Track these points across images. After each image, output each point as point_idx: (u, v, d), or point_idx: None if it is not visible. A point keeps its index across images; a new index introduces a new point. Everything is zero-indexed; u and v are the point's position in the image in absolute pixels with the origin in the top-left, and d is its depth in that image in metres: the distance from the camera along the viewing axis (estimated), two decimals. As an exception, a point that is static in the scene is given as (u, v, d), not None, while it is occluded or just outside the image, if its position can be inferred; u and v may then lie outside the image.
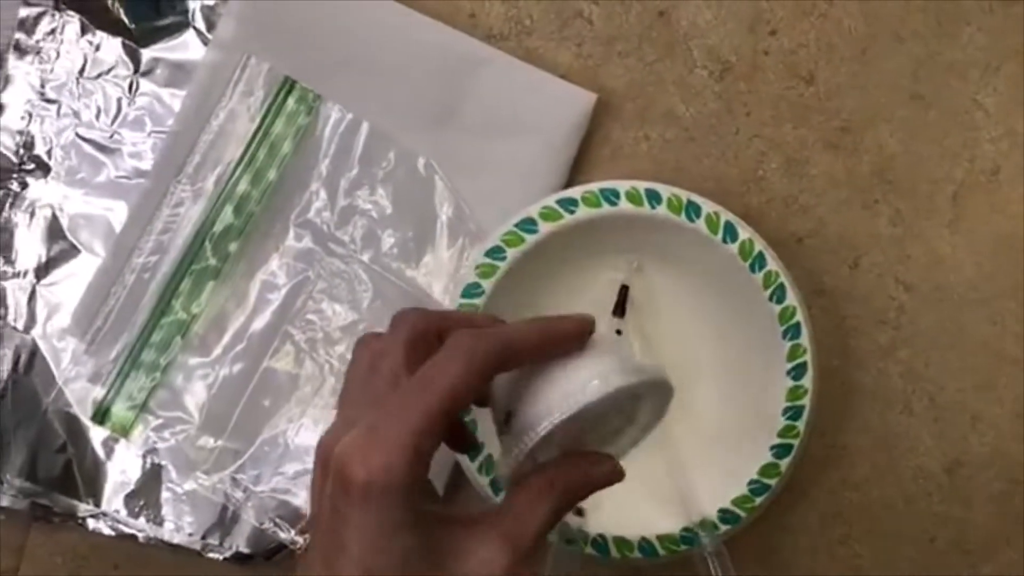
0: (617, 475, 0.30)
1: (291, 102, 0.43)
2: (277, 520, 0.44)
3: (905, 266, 0.46)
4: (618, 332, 0.42)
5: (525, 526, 0.28)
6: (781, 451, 0.41)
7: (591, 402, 0.28)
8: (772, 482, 0.41)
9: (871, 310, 0.46)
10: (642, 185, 0.40)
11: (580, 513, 0.41)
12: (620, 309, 0.42)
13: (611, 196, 0.40)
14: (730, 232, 0.40)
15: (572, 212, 0.40)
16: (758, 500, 0.41)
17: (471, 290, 0.41)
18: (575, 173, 0.45)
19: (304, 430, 0.44)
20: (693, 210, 0.40)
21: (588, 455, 0.30)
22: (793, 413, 0.41)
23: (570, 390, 0.28)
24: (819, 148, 0.46)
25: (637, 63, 0.46)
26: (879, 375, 0.46)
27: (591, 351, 0.29)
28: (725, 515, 0.41)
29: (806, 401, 0.41)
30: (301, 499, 0.44)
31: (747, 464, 0.41)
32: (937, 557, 0.46)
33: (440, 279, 0.44)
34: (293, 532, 0.44)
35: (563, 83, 0.44)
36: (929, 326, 0.46)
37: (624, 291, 0.42)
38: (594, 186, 0.40)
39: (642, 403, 0.31)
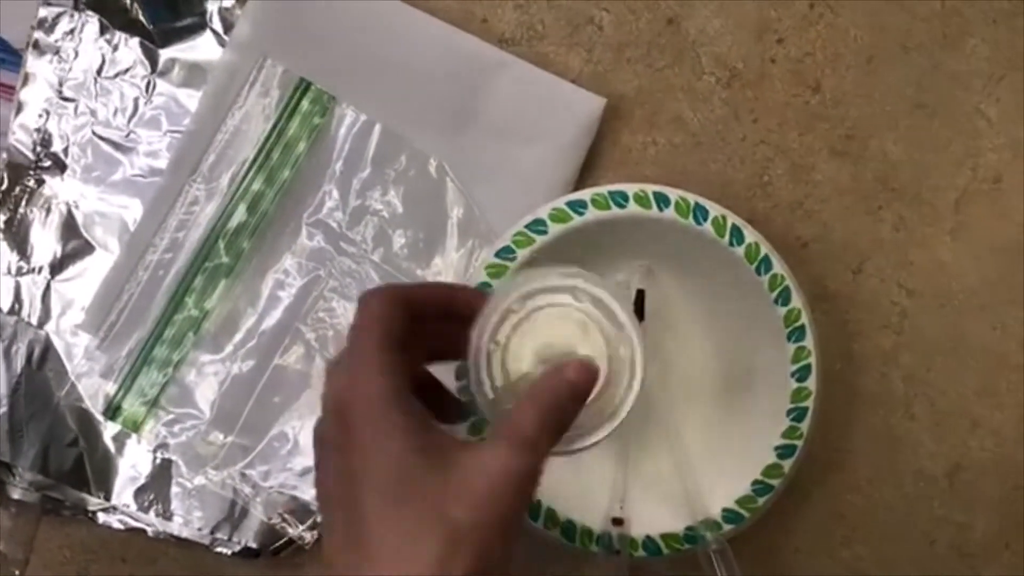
0: (587, 370, 0.31)
1: (306, 103, 0.44)
2: (286, 516, 0.45)
3: (908, 272, 0.46)
4: None
5: (521, 426, 0.29)
6: (785, 452, 0.41)
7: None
8: (775, 482, 0.42)
9: (874, 315, 0.46)
10: (651, 188, 0.41)
11: (619, 523, 0.42)
12: (639, 314, 0.43)
13: (620, 199, 0.41)
14: (737, 235, 0.41)
15: (581, 214, 0.41)
16: (761, 500, 0.42)
17: (481, 289, 0.41)
18: (584, 176, 0.46)
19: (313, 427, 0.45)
20: (701, 213, 0.41)
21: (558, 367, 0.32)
22: (797, 414, 0.41)
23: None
24: (824, 155, 0.46)
25: (646, 69, 0.46)
26: (881, 379, 0.46)
27: None
28: (728, 514, 0.42)
29: (810, 403, 0.41)
30: (309, 495, 0.45)
31: (751, 464, 0.42)
32: (937, 560, 0.46)
33: (450, 279, 0.44)
34: (301, 528, 0.45)
35: (573, 87, 0.44)
36: (931, 331, 0.46)
37: (641, 295, 0.43)
38: (603, 188, 0.41)
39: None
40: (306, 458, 0.45)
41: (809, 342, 0.41)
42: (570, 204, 0.41)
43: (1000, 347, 0.46)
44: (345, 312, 0.45)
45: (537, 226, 0.41)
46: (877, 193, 0.46)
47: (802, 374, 0.41)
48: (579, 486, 0.43)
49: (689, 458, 0.43)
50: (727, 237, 0.41)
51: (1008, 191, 0.46)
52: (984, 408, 0.46)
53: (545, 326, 0.33)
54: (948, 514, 0.46)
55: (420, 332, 0.32)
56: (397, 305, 0.31)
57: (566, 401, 0.31)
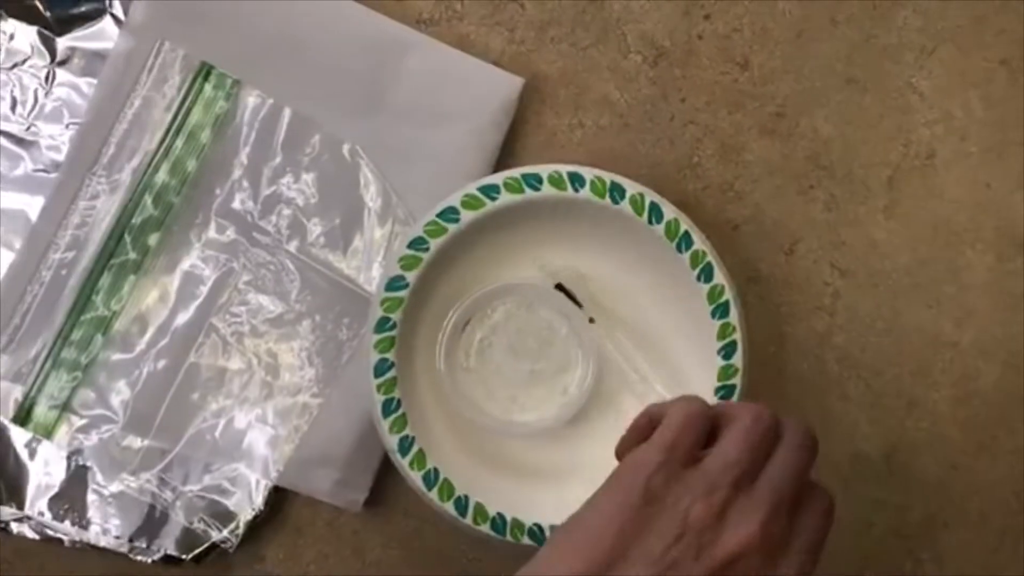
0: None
1: (208, 88, 0.42)
2: (207, 519, 0.43)
3: (840, 252, 0.45)
4: (591, 320, 0.42)
5: None
6: (713, 430, 0.40)
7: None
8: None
9: (807, 296, 0.45)
10: (564, 168, 0.40)
11: None
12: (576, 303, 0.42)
13: (533, 181, 0.39)
14: (655, 212, 0.40)
15: (494, 199, 0.39)
16: None
17: (395, 283, 0.40)
18: (509, 161, 0.44)
19: (233, 426, 0.43)
20: (617, 192, 0.40)
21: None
22: (725, 393, 0.40)
23: None
24: (754, 134, 0.45)
25: (570, 48, 0.45)
26: (815, 361, 0.45)
27: None
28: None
29: (737, 380, 0.40)
30: (233, 500, 0.43)
31: None
32: (875, 543, 0.46)
33: (368, 268, 0.43)
34: (225, 531, 0.43)
35: (490, 67, 0.43)
36: (865, 312, 0.45)
37: (561, 288, 0.42)
38: (516, 171, 0.40)
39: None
40: (227, 458, 0.43)
41: (734, 318, 0.40)
42: (482, 189, 0.39)
43: (935, 326, 0.45)
44: (261, 306, 0.43)
45: (449, 214, 0.39)
46: (808, 172, 0.45)
47: (728, 351, 0.40)
48: (512, 477, 0.42)
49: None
50: (645, 215, 0.40)
51: (941, 167, 0.46)
52: (920, 388, 0.46)
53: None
54: (885, 496, 0.46)
55: None
56: None
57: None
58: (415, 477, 0.40)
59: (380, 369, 0.40)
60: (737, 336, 0.40)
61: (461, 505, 0.41)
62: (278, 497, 0.44)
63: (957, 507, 0.45)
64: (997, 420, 0.46)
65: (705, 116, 0.45)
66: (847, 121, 0.45)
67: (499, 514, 0.41)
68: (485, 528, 0.41)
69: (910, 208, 0.45)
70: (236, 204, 0.43)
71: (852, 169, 0.45)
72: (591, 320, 0.42)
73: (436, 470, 0.40)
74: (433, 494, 0.40)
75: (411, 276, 0.39)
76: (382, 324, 0.40)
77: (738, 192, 0.45)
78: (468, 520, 0.41)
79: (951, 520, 0.46)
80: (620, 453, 0.34)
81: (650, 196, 0.40)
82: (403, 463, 0.40)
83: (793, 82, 0.45)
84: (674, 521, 0.29)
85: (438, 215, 0.39)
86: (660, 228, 0.40)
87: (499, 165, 0.44)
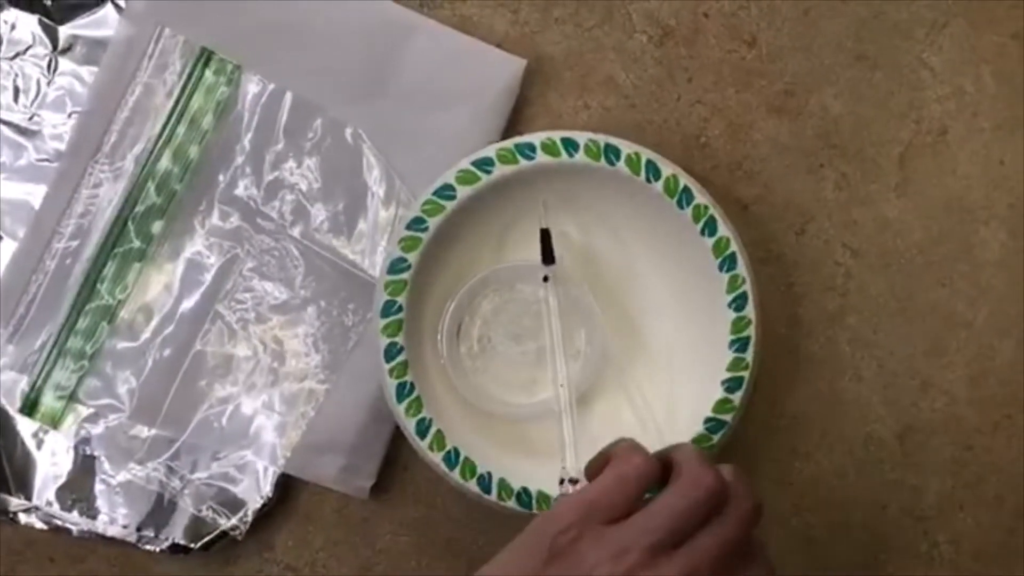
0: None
1: (209, 74, 0.42)
2: (216, 507, 0.43)
3: (852, 231, 0.45)
4: (545, 279, 0.40)
5: None
6: (732, 385, 0.40)
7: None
8: (727, 418, 0.40)
9: (818, 277, 0.45)
10: (558, 135, 0.39)
11: (575, 482, 0.40)
12: (548, 256, 0.41)
13: (527, 150, 0.39)
14: (652, 170, 0.39)
15: (489, 172, 0.39)
16: (716, 437, 0.40)
17: (397, 265, 0.39)
18: (513, 143, 0.44)
19: (240, 413, 0.43)
20: (612, 153, 0.39)
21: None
22: (740, 345, 0.40)
23: None
24: (763, 113, 0.45)
25: (575, 29, 0.44)
26: (827, 342, 0.45)
27: None
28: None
29: (751, 332, 0.40)
30: (240, 486, 0.43)
31: (701, 403, 0.40)
32: (890, 524, 0.45)
33: (372, 252, 0.43)
34: (233, 519, 0.43)
35: (491, 49, 0.43)
36: (877, 291, 0.45)
37: (545, 235, 0.40)
38: (509, 142, 0.39)
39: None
40: (233, 446, 0.43)
41: (742, 269, 0.40)
42: (476, 163, 0.39)
43: (948, 305, 0.45)
44: (266, 292, 0.43)
45: (445, 192, 0.39)
46: (818, 151, 0.45)
47: (739, 303, 0.40)
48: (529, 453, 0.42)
49: (646, 400, 0.42)
50: (643, 174, 0.39)
51: (953, 144, 0.45)
52: (934, 368, 0.45)
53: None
54: (900, 477, 0.45)
55: None
56: None
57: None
58: (436, 458, 0.40)
59: (390, 353, 0.40)
60: (747, 287, 0.40)
61: (485, 483, 0.40)
62: (287, 485, 0.44)
63: (973, 488, 0.45)
64: (1012, 399, 0.45)
65: (712, 95, 0.45)
66: (857, 98, 0.45)
67: (524, 488, 0.40)
68: (511, 503, 0.40)
69: (922, 186, 0.45)
70: (239, 190, 0.43)
71: (863, 147, 0.45)
72: (545, 279, 0.41)
73: (456, 450, 0.40)
74: (455, 474, 0.40)
75: (413, 257, 0.39)
76: (388, 308, 0.39)
77: (747, 171, 0.45)
78: (493, 497, 0.40)
79: (967, 501, 0.45)
80: (589, 474, 0.34)
81: (646, 154, 0.39)
82: (422, 445, 0.40)
83: (802, 59, 0.45)
84: None
85: (434, 193, 0.39)
86: (659, 185, 0.39)
87: (502, 146, 0.44)
